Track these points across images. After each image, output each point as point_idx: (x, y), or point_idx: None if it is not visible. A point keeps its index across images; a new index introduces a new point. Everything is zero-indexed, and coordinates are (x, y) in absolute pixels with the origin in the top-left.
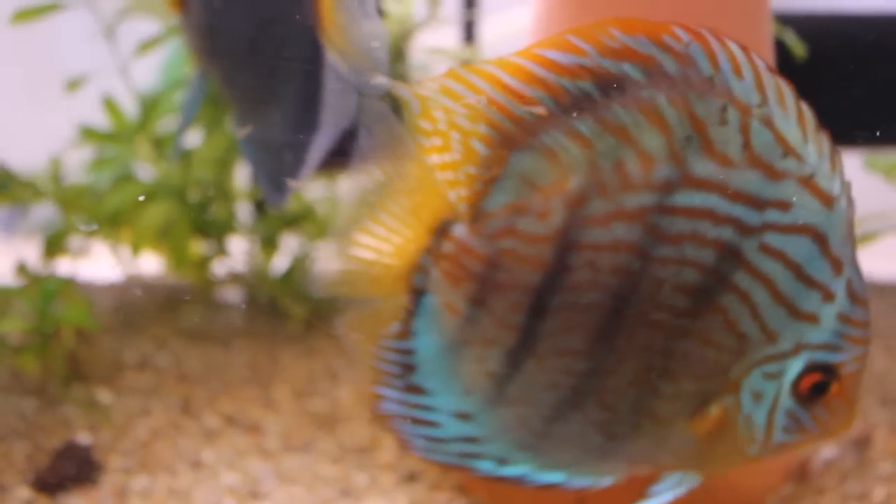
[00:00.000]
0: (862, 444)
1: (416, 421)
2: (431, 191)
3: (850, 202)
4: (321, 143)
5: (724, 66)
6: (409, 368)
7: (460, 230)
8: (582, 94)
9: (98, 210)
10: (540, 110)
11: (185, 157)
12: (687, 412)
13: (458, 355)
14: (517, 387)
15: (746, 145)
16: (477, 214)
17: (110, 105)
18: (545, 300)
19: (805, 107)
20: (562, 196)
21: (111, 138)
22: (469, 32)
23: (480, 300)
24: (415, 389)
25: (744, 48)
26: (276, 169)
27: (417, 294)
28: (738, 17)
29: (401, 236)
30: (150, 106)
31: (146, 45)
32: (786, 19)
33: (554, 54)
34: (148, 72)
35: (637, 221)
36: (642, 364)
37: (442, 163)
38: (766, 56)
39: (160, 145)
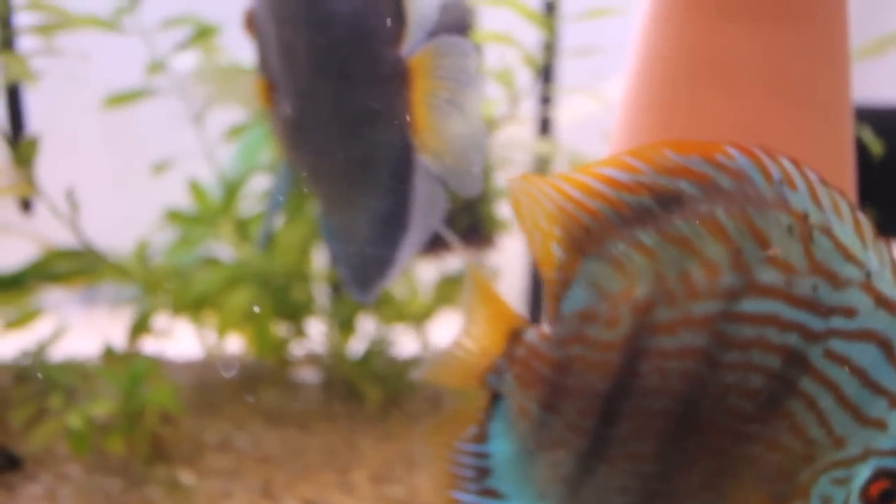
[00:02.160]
0: None
1: None
2: (499, 302)
3: None
4: (410, 244)
5: (777, 180)
6: (484, 472)
7: (532, 335)
8: (642, 208)
9: (183, 293)
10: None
11: (270, 242)
12: None
13: (531, 459)
14: (590, 491)
15: (807, 253)
16: (554, 318)
17: (196, 189)
18: (615, 405)
19: (861, 216)
20: (629, 304)
21: (196, 221)
22: (544, 126)
23: (552, 405)
24: (490, 493)
25: (796, 162)
26: (363, 267)
27: (493, 397)
28: (818, 121)
29: (483, 337)
30: (233, 189)
31: (234, 132)
32: (862, 113)
33: (612, 172)
34: (226, 155)
35: (704, 328)
36: (711, 468)
37: (540, 260)
38: (846, 160)
39: (242, 228)
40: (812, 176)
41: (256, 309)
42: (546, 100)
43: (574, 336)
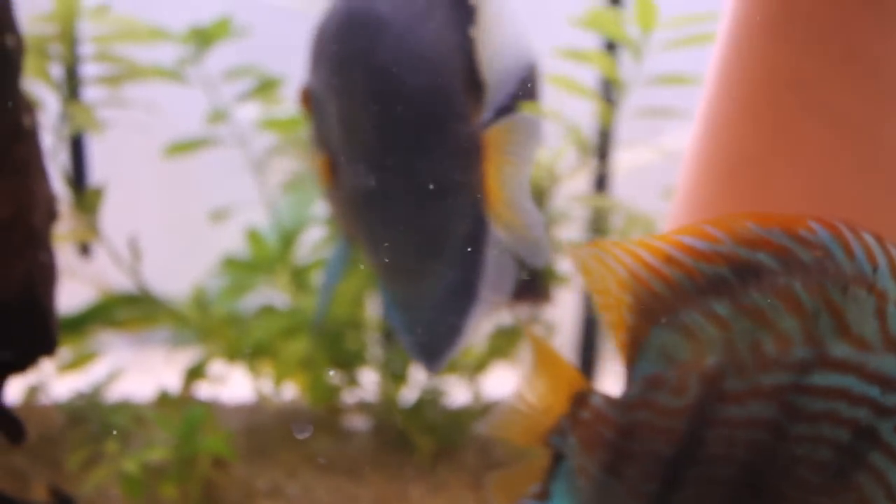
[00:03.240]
0: None
1: None
2: (563, 365)
3: None
4: (478, 314)
5: (859, 256)
6: None
7: (598, 399)
8: (718, 278)
9: (240, 340)
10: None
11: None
12: None
13: None
14: None
15: (883, 329)
16: (626, 381)
17: (254, 236)
18: (679, 472)
19: None
20: (699, 373)
21: (252, 267)
22: (601, 180)
23: (614, 468)
24: None
25: (879, 238)
26: (431, 338)
27: (556, 457)
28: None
29: (548, 397)
30: (289, 237)
31: (293, 184)
32: None
33: (690, 240)
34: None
35: (773, 400)
36: None
37: (610, 323)
38: None
39: (297, 276)
40: (893, 251)
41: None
42: (604, 155)
43: (641, 401)
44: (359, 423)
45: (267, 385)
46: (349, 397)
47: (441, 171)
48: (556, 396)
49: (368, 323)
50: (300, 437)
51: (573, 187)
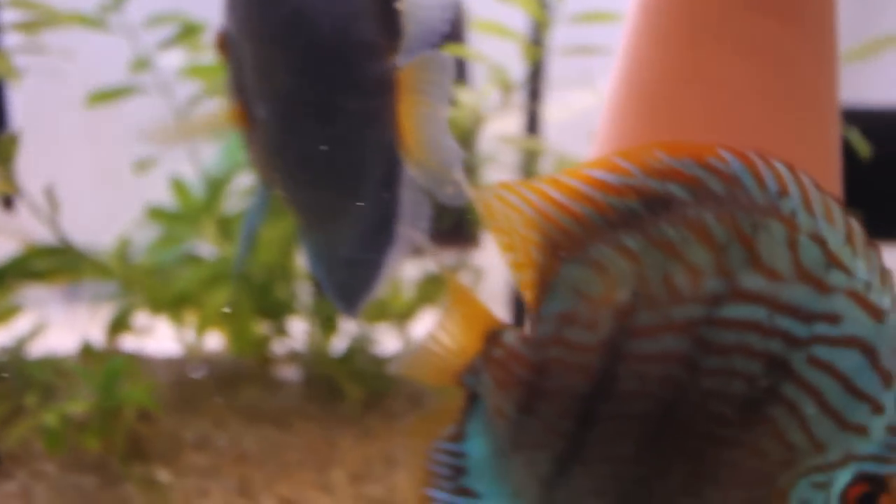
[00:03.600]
0: None
1: None
2: (476, 303)
3: None
4: (396, 257)
5: (770, 185)
6: (460, 471)
7: (510, 337)
8: (629, 211)
9: (163, 291)
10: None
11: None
12: None
13: (507, 459)
14: (566, 492)
15: (794, 260)
16: (534, 321)
17: (179, 186)
18: (593, 408)
19: (854, 223)
20: (610, 307)
21: (178, 219)
22: (533, 123)
23: (529, 406)
24: (465, 492)
25: (791, 167)
26: (348, 283)
27: (471, 398)
28: (805, 122)
29: (461, 337)
30: (216, 187)
31: (219, 133)
32: (850, 115)
33: (601, 174)
34: (210, 153)
35: (685, 333)
36: (690, 472)
37: (515, 263)
38: (833, 161)
39: (225, 226)
40: (806, 181)
41: (227, 309)
42: (535, 94)
43: (554, 338)
44: (289, 373)
45: (191, 336)
46: (279, 347)
47: (355, 111)
48: (469, 336)
49: (297, 272)
50: (195, 376)
51: (504, 129)
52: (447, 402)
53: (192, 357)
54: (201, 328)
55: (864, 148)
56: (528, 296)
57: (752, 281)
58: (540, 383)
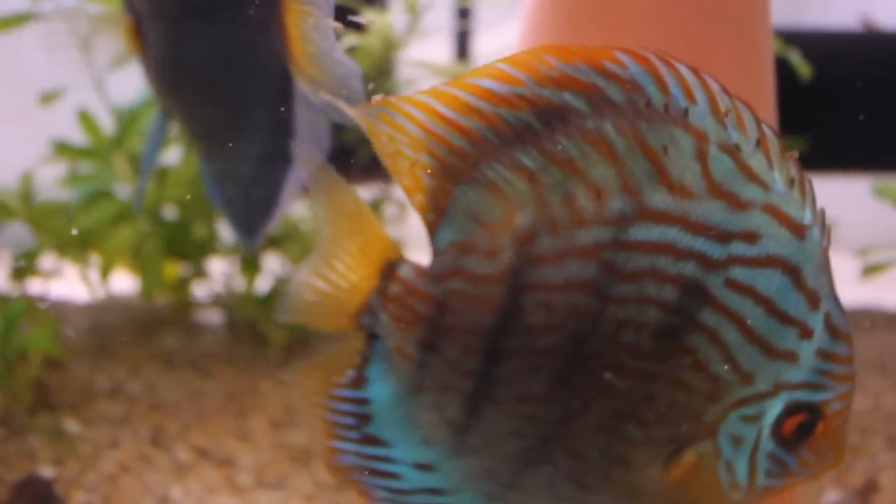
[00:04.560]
0: (868, 490)
1: (375, 473)
2: (373, 230)
3: (825, 231)
4: (296, 178)
5: (674, 91)
6: (364, 418)
7: (406, 270)
8: (522, 125)
9: (68, 230)
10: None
11: (162, 174)
12: (660, 459)
13: (414, 403)
14: (479, 435)
15: (705, 174)
16: (433, 249)
17: (86, 119)
18: (500, 343)
19: (768, 130)
20: (509, 233)
21: (86, 154)
22: (463, 46)
23: (431, 344)
24: (372, 440)
25: (695, 71)
26: (247, 209)
27: (370, 338)
28: (733, 38)
29: (353, 273)
30: (128, 121)
31: (120, 59)
32: (791, 38)
33: (488, 83)
34: (126, 86)
35: (592, 258)
36: (608, 409)
37: (407, 188)
38: (764, 79)
39: (137, 162)
40: (714, 86)
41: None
42: (464, 13)
43: (452, 269)
44: (210, 316)
45: (97, 277)
46: (199, 290)
47: (241, 24)
48: (364, 270)
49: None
50: (109, 322)
51: (429, 55)
52: (340, 344)
53: (107, 302)
54: (104, 271)
55: (804, 69)
56: (424, 223)
57: (660, 198)
58: (442, 319)
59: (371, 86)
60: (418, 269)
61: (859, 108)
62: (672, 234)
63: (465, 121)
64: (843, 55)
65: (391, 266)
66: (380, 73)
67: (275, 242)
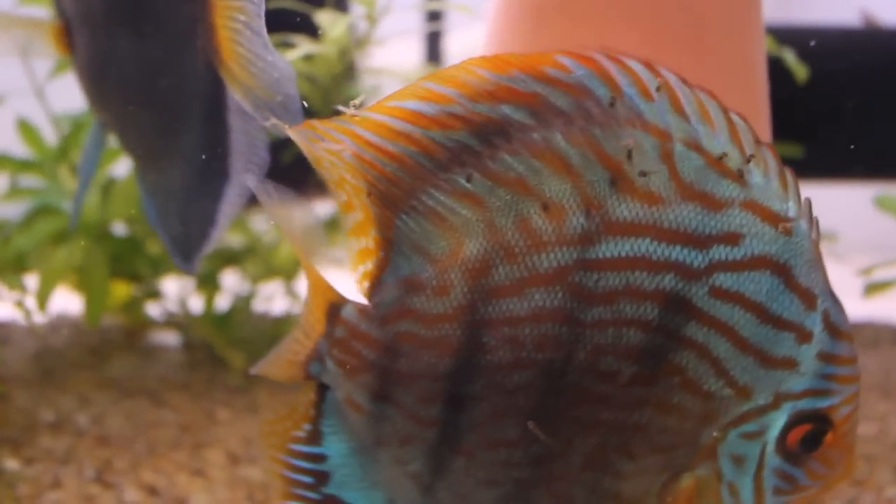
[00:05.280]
0: None
1: None
2: (311, 273)
3: (813, 222)
4: (233, 195)
5: (626, 90)
6: (322, 477)
7: (349, 312)
8: (459, 146)
9: (4, 250)
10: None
11: (107, 189)
12: (656, 489)
13: (372, 459)
14: (448, 490)
15: (673, 175)
16: (374, 290)
17: (26, 130)
18: (462, 387)
19: (737, 118)
20: (459, 265)
21: (28, 167)
22: (434, 47)
23: (384, 393)
24: (331, 501)
25: (648, 64)
26: (182, 230)
27: (321, 389)
28: (722, 38)
29: (307, 315)
30: (72, 132)
31: (62, 66)
32: (786, 35)
33: (414, 104)
34: (69, 94)
35: (557, 284)
36: (593, 444)
37: (354, 225)
38: (757, 81)
39: None
40: (671, 79)
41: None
42: (434, 16)
43: (400, 309)
44: (165, 338)
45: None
46: (154, 310)
47: (165, 28)
48: (314, 314)
49: None
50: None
51: (399, 57)
52: (298, 396)
53: (56, 322)
54: (41, 296)
55: (801, 71)
56: (373, 258)
57: (625, 209)
58: (393, 365)
59: (362, 99)
60: (363, 311)
61: (860, 110)
62: (644, 246)
63: (395, 147)
64: (842, 54)
65: (335, 308)
66: (337, 82)
67: (234, 259)
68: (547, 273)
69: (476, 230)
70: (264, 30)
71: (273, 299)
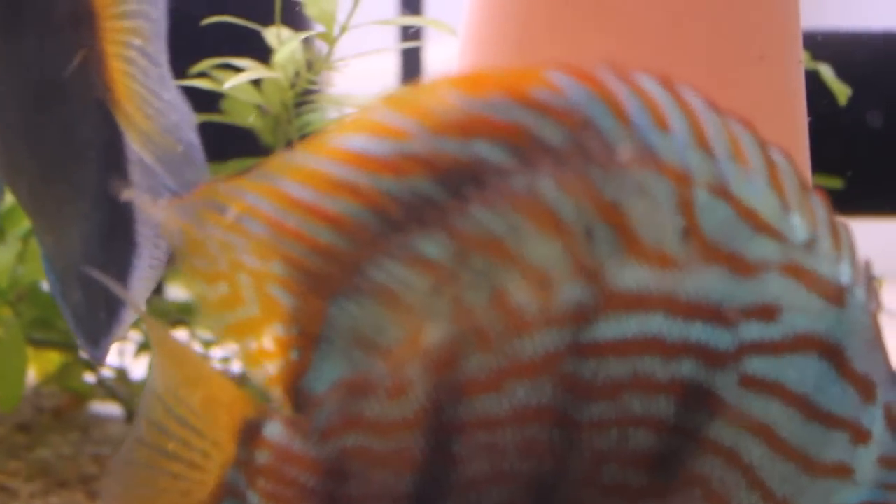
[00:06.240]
0: None
1: None
2: (215, 379)
3: (872, 291)
4: (143, 268)
5: (637, 119)
6: None
7: (275, 430)
8: (418, 198)
9: None
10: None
11: (24, 244)
12: None
13: None
14: None
15: (693, 231)
16: (298, 401)
17: None
18: None
19: (778, 156)
20: (419, 358)
21: None
22: (412, 66)
23: None
24: None
25: (667, 82)
26: (89, 310)
27: None
28: (752, 55)
29: (196, 447)
30: None
31: None
32: (821, 45)
33: (361, 143)
34: None
35: (545, 375)
36: None
37: (238, 323)
38: (795, 107)
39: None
40: (695, 103)
41: None
42: (415, 34)
43: (343, 420)
44: (108, 409)
45: None
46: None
47: (45, 54)
48: (213, 436)
49: None
50: None
51: (373, 73)
52: None
53: None
54: None
55: (841, 91)
56: (282, 365)
57: (631, 276)
58: (339, 490)
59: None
60: (294, 426)
61: None
62: (656, 324)
63: (332, 204)
64: (887, 65)
65: (253, 426)
66: (289, 112)
67: (180, 319)
68: (532, 362)
69: (440, 311)
70: (164, 56)
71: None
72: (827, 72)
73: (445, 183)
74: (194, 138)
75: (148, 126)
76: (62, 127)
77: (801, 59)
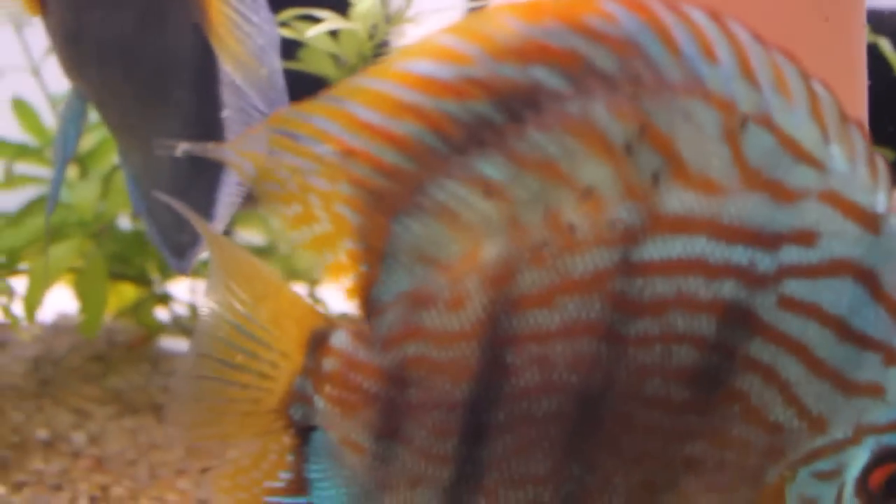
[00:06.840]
0: None
1: None
2: (284, 294)
3: None
4: (232, 183)
5: (686, 49)
6: None
7: (342, 339)
8: (478, 120)
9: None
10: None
11: (108, 178)
12: None
13: None
14: None
15: (737, 158)
16: (370, 311)
17: (22, 110)
18: (483, 417)
19: (821, 89)
20: (477, 272)
21: (25, 152)
22: None
23: (391, 429)
24: None
25: (715, 16)
26: (174, 223)
27: (303, 431)
28: (814, 21)
29: (268, 353)
30: None
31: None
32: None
33: (425, 67)
34: None
35: (594, 292)
36: (637, 482)
37: (315, 238)
38: (856, 72)
39: (84, 161)
40: (741, 35)
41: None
42: None
43: (405, 330)
44: (177, 345)
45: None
46: (164, 314)
47: None
48: (282, 346)
49: None
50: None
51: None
52: (263, 441)
53: (61, 323)
54: (30, 299)
55: None
56: (357, 278)
57: (677, 199)
58: (400, 396)
59: None
60: (359, 335)
61: None
62: (700, 246)
63: (398, 126)
64: None
65: (320, 336)
66: (366, 63)
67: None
68: (582, 279)
69: (496, 227)
70: None
71: None
72: (886, 45)
73: (504, 106)
74: (277, 63)
75: (238, 49)
76: (160, 49)
77: (864, 25)
